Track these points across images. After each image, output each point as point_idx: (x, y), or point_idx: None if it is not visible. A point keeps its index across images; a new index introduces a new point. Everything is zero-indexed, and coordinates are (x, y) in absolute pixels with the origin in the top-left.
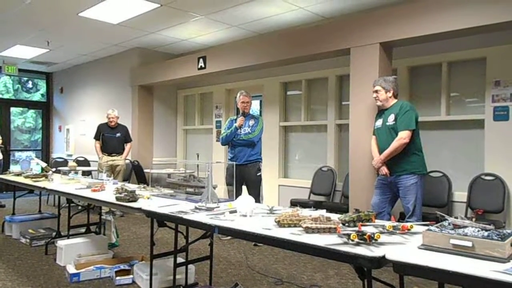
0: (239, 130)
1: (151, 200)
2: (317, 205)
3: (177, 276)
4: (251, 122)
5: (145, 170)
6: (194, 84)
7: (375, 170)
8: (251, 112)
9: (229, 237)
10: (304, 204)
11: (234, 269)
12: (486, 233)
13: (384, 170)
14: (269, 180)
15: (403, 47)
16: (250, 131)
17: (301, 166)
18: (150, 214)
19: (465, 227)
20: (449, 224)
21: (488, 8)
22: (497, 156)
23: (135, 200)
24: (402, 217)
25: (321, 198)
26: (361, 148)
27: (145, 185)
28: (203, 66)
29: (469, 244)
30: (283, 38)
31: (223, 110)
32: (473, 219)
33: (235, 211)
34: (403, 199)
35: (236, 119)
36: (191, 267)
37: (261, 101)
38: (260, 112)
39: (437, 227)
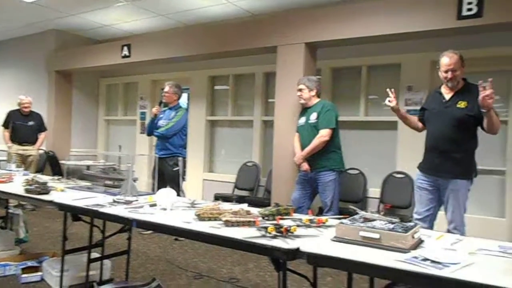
0: (160, 122)
1: (65, 193)
2: (240, 200)
3: (91, 272)
4: (172, 115)
5: (61, 162)
6: (118, 73)
7: (297, 166)
8: (180, 105)
9: (150, 232)
10: (228, 199)
11: (153, 263)
12: (391, 226)
13: (305, 166)
14: (193, 174)
15: (328, 49)
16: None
17: (226, 160)
18: (63, 207)
19: (373, 220)
20: (360, 217)
21: (404, 17)
22: (407, 156)
23: (46, 192)
24: (321, 212)
25: (245, 193)
26: (285, 144)
27: (60, 177)
28: (127, 54)
29: (377, 236)
30: (211, 31)
31: (148, 101)
32: (382, 213)
33: (155, 205)
34: (321, 194)
35: (165, 110)
36: (107, 262)
37: (188, 94)
38: (188, 105)
39: (349, 220)
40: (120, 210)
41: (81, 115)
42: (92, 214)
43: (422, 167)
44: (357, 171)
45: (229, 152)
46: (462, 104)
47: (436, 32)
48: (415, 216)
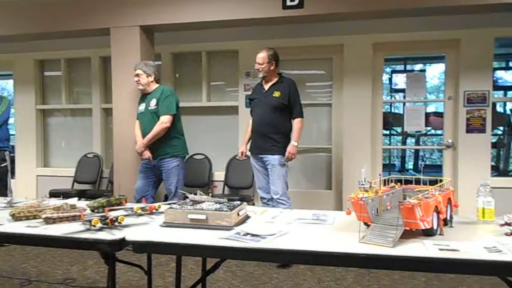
0: None
1: None
2: (81, 194)
3: None
4: None
5: None
6: None
7: (139, 155)
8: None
9: None
10: (66, 194)
11: None
12: (218, 206)
13: (147, 154)
14: (25, 171)
15: (167, 33)
16: None
17: (64, 153)
18: None
19: (202, 202)
20: (189, 201)
21: (237, 4)
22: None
23: None
24: (166, 199)
25: (86, 187)
26: (125, 133)
27: None
28: None
29: (203, 217)
30: (33, 9)
31: None
32: (210, 194)
33: None
34: (166, 182)
35: None
36: None
37: (14, 81)
38: (14, 93)
39: (179, 204)
40: None
41: None
42: None
43: (250, 149)
44: (202, 156)
45: (66, 143)
46: (277, 94)
47: (266, 20)
48: (259, 191)
